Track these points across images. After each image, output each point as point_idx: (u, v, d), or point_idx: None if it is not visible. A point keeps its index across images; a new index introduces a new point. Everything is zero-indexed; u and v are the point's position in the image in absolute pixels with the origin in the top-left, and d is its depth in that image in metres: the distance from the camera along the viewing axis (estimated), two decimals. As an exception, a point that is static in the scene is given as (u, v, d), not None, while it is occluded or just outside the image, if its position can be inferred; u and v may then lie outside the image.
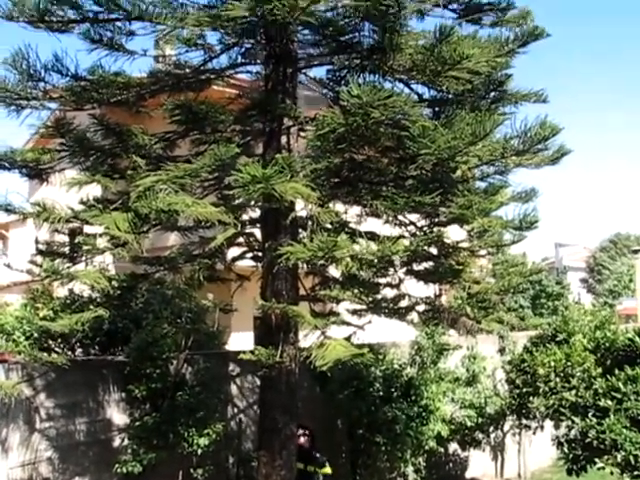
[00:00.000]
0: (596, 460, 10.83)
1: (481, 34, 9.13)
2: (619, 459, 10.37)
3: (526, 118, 8.03)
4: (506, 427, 16.80)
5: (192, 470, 10.27)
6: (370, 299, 9.41)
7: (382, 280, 9.83)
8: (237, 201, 8.66)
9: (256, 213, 9.80)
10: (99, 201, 9.20)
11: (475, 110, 8.36)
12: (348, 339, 9.12)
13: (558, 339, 13.25)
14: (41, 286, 11.70)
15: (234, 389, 12.03)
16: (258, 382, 10.79)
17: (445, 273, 9.52)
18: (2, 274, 19.41)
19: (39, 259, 9.58)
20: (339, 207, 9.57)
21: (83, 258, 9.34)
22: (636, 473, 10.36)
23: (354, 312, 10.02)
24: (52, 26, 8.72)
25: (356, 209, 9.91)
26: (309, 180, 7.61)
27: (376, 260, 7.70)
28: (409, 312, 10.05)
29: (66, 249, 9.60)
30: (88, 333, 10.36)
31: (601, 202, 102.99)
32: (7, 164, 9.16)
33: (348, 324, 9.89)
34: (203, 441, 9.81)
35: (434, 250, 9.50)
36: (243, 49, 9.29)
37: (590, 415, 11.15)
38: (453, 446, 15.90)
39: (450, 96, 8.86)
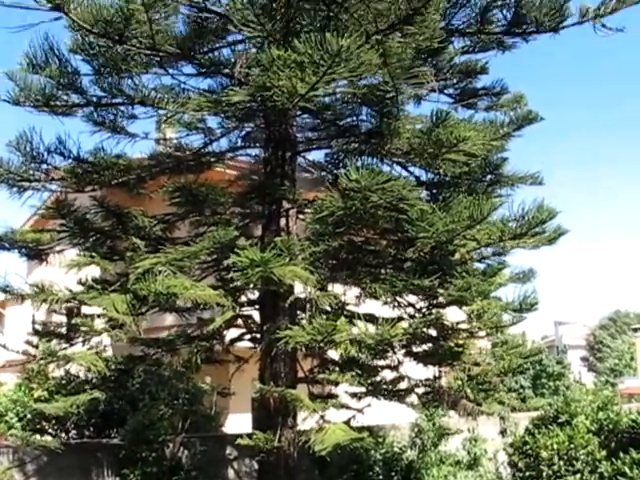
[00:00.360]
0: None
1: (476, 118, 9.37)
2: None
3: (523, 201, 8.13)
4: (510, 512, 16.39)
5: None
6: (369, 382, 9.32)
7: (381, 362, 9.75)
8: (236, 283, 8.66)
9: (255, 294, 9.78)
10: (98, 282, 9.22)
11: (472, 193, 8.46)
12: (347, 423, 8.97)
13: (560, 420, 13.03)
14: (36, 366, 11.59)
15: (231, 473, 11.77)
16: (256, 466, 10.56)
17: (444, 355, 9.45)
18: (-2, 353, 19.23)
19: (35, 339, 9.54)
20: (338, 288, 9.56)
21: (80, 339, 9.28)
22: None
23: (353, 395, 9.90)
24: (56, 110, 8.89)
25: (355, 290, 9.90)
26: (308, 263, 7.62)
27: (375, 343, 7.64)
28: (409, 394, 9.94)
29: (63, 329, 9.55)
30: (83, 415, 10.21)
31: (599, 279, 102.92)
32: (7, 244, 9.23)
33: (347, 407, 9.75)
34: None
35: (433, 332, 9.45)
36: (243, 132, 9.46)
37: (597, 501, 10.91)
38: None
39: (447, 179, 8.97)
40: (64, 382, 10.77)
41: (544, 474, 12.35)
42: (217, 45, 9.41)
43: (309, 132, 9.49)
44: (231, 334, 10.28)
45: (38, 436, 9.86)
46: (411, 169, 9.44)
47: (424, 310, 9.61)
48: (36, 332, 9.49)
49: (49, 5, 6.96)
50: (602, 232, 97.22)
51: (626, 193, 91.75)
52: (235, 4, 7.23)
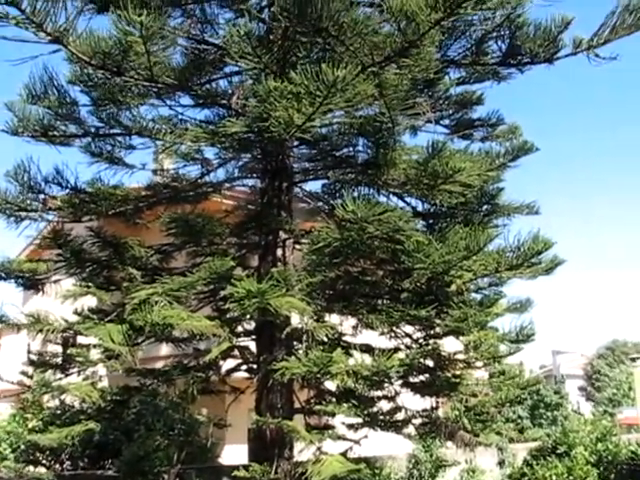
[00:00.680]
0: None
1: (472, 148, 9.41)
2: None
3: (519, 232, 8.13)
4: None
5: None
6: (366, 413, 9.26)
7: (378, 393, 9.68)
8: (232, 313, 8.64)
9: (251, 325, 9.75)
10: (94, 311, 9.19)
11: (468, 223, 8.47)
12: (344, 454, 8.91)
13: (559, 452, 12.98)
14: (31, 396, 11.53)
15: (227, 505, 11.64)
16: (252, 498, 10.44)
17: (442, 386, 9.40)
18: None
19: (30, 370, 9.49)
20: (334, 318, 9.54)
21: (75, 369, 9.23)
22: None
23: (350, 426, 9.83)
24: (54, 140, 8.94)
25: (352, 320, 9.87)
26: (305, 294, 7.62)
27: (371, 375, 7.61)
28: (406, 425, 9.86)
29: (58, 360, 9.50)
30: (77, 447, 10.12)
31: (597, 308, 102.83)
32: (4, 274, 9.22)
33: (344, 438, 9.68)
34: None
35: (430, 362, 9.41)
36: (240, 163, 9.48)
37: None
38: None
39: (444, 209, 8.99)
40: (59, 412, 10.71)
41: (543, 506, 12.27)
42: (214, 76, 9.49)
43: (306, 162, 9.52)
44: (227, 364, 10.23)
45: (32, 468, 9.76)
46: (408, 199, 9.47)
47: (421, 340, 9.58)
48: (31, 362, 9.43)
49: (49, 38, 6.99)
50: (599, 261, 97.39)
51: (621, 221, 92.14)
52: (232, 37, 7.28)
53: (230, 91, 9.27)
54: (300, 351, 8.49)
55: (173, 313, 7.33)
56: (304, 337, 8.02)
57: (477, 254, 7.61)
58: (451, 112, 10.26)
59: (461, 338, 9.24)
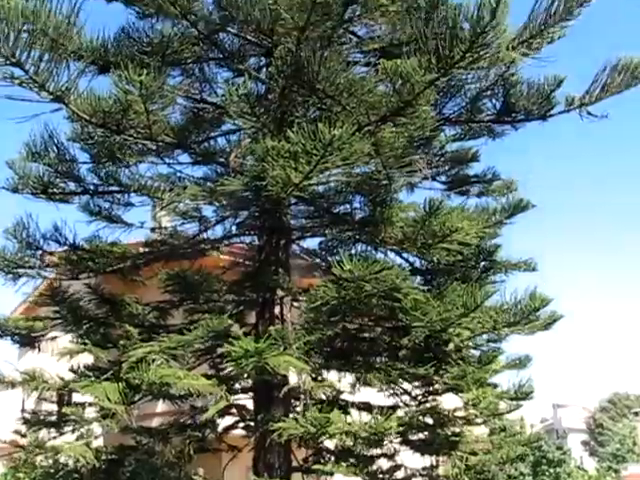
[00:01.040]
0: None
1: (468, 203, 9.47)
2: None
3: (516, 290, 8.13)
4: None
5: None
6: (365, 471, 9.11)
7: (377, 451, 9.55)
8: (230, 371, 8.58)
9: (249, 382, 9.67)
10: (90, 369, 9.13)
11: (466, 279, 8.49)
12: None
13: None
14: (24, 455, 11.36)
15: None
16: None
17: (442, 444, 9.28)
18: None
19: (24, 428, 9.38)
20: (333, 374, 9.47)
21: (70, 428, 9.12)
22: None
23: (349, 485, 9.67)
24: (54, 197, 9.01)
25: (350, 377, 9.80)
26: (302, 352, 7.57)
27: (370, 434, 7.52)
28: (405, 484, 9.71)
29: (53, 418, 9.40)
30: (71, 507, 9.92)
31: (597, 360, 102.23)
32: (0, 332, 9.16)
33: (343, 498, 9.53)
34: None
35: (429, 420, 9.31)
36: (238, 220, 9.52)
37: None
38: None
39: (441, 266, 8.99)
40: (52, 471, 10.51)
41: None
42: (212, 134, 9.60)
43: (303, 220, 9.56)
44: (224, 422, 10.11)
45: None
46: (405, 255, 9.48)
47: (420, 398, 9.49)
48: (25, 421, 9.33)
49: (50, 97, 7.09)
50: (599, 312, 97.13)
51: (621, 273, 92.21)
52: (231, 96, 7.38)
53: (228, 149, 9.36)
54: (298, 408, 8.43)
55: (170, 372, 7.28)
56: (302, 396, 7.96)
57: (475, 311, 7.59)
58: (447, 168, 10.35)
59: (460, 395, 9.17)
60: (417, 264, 9.44)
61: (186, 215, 9.19)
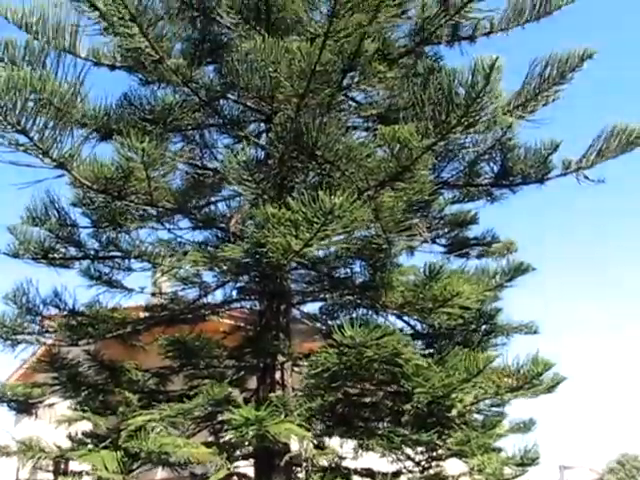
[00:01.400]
0: None
1: (468, 265, 9.47)
2: None
3: (517, 356, 8.10)
4: None
5: None
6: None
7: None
8: (230, 437, 8.46)
9: (249, 449, 9.53)
10: (88, 435, 9.01)
11: (468, 343, 8.47)
12: None
13: None
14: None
15: None
16: None
17: (447, 511, 9.11)
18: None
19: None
20: (335, 439, 9.33)
21: (66, 497, 8.97)
22: None
23: None
24: (54, 262, 9.03)
25: (352, 442, 9.66)
26: (304, 419, 7.49)
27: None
28: None
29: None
30: None
31: (604, 420, 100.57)
32: (-4, 399, 9.09)
33: None
34: None
35: (434, 486, 9.16)
36: (238, 285, 9.51)
37: None
38: None
39: (442, 330, 8.95)
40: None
41: None
42: (213, 199, 9.68)
43: (304, 284, 9.55)
44: (225, 490, 9.93)
45: None
46: (406, 318, 9.45)
47: (423, 463, 9.33)
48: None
49: (54, 164, 7.17)
50: (605, 372, 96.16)
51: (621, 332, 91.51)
52: (231, 164, 7.45)
53: (228, 214, 9.42)
54: (300, 475, 8.30)
55: (169, 440, 7.19)
56: (304, 464, 7.85)
57: (477, 377, 7.53)
58: (446, 231, 10.40)
59: (465, 460, 9.03)
60: (418, 327, 9.40)
61: (186, 280, 9.19)
